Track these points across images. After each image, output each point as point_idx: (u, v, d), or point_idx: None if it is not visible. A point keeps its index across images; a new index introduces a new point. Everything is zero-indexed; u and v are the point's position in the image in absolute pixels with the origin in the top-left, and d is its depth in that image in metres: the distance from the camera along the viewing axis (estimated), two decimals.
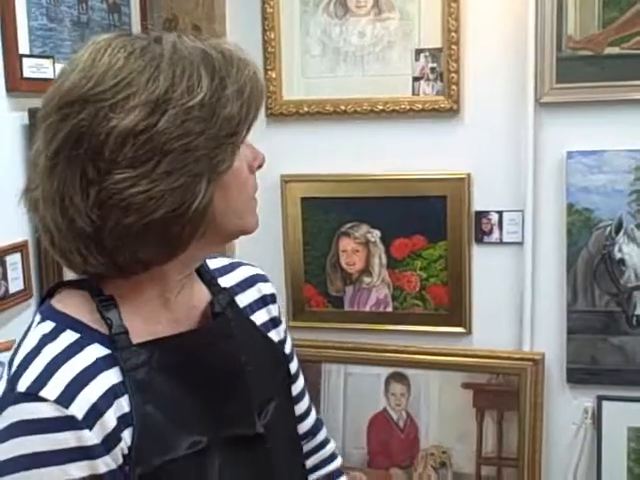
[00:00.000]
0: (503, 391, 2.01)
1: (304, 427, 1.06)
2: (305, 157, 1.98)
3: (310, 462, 1.07)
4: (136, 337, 0.81)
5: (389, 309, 2.05)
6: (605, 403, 1.97)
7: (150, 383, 0.79)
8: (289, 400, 1.00)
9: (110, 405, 0.77)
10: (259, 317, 0.98)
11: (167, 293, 0.85)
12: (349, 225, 2.05)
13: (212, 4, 1.85)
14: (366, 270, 2.05)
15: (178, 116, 0.76)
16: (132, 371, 0.78)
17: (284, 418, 0.96)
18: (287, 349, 1.03)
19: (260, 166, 0.89)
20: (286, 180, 2.01)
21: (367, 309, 2.05)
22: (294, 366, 1.04)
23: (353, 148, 2.01)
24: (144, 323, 0.83)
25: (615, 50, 1.81)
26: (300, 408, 1.05)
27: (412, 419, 2.08)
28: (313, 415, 1.08)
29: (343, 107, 1.96)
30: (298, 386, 1.05)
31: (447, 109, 1.90)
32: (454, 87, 1.89)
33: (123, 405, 0.78)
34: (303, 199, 2.03)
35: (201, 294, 0.91)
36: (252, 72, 0.82)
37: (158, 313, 0.84)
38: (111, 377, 0.78)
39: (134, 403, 0.78)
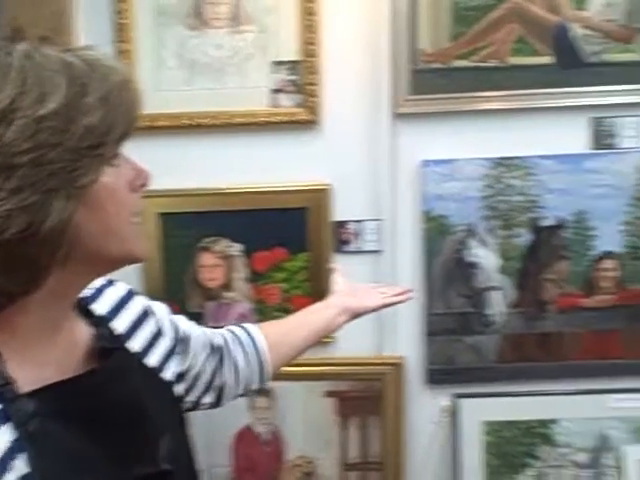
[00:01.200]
0: (365, 397, 1.99)
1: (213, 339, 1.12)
2: (161, 172, 1.78)
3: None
4: (26, 385, 0.74)
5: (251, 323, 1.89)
6: (461, 400, 1.98)
7: (46, 434, 0.72)
8: (184, 432, 0.95)
9: (5, 470, 0.68)
10: (138, 341, 0.93)
11: (48, 331, 0.78)
12: (208, 240, 1.95)
13: (62, 15, 1.65)
14: (227, 285, 1.95)
15: (28, 127, 0.68)
16: (25, 424, 0.71)
17: (183, 452, 0.92)
18: (174, 344, 1.00)
19: (144, 185, 0.84)
20: (142, 196, 1.81)
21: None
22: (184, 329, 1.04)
23: (211, 162, 1.92)
24: (32, 368, 0.75)
25: (464, 63, 1.85)
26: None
27: (277, 432, 2.02)
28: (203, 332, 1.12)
29: (200, 120, 1.85)
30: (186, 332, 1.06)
31: (306, 121, 1.84)
32: (313, 99, 1.84)
33: (21, 467, 0.70)
34: (160, 215, 1.89)
35: (83, 330, 0.84)
36: (121, 79, 0.76)
37: (44, 355, 0.77)
38: (5, 435, 0.70)
39: (32, 461, 0.70)
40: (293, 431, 2.02)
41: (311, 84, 1.85)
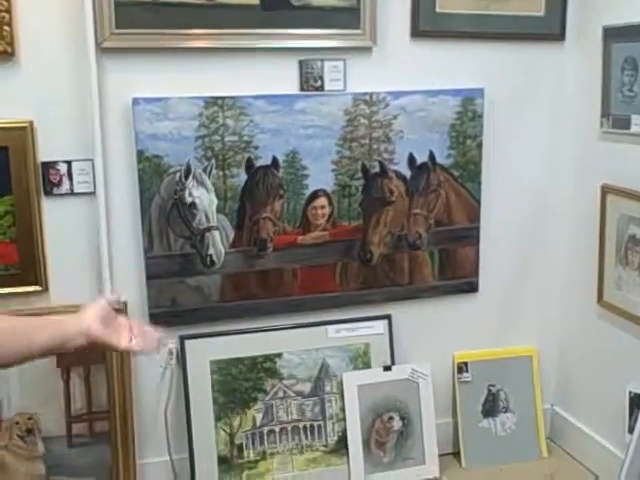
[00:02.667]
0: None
1: None
2: None
3: None
4: None
5: None
6: (187, 342, 1.94)
7: None
8: None
9: None
10: None
11: None
12: None
13: None
14: None
15: None
16: None
17: None
18: None
19: None
20: None
21: None
22: None
23: None
24: None
25: None
26: None
27: None
28: None
29: None
30: None
31: (0, 52, 1.64)
32: (6, 28, 1.60)
33: None
34: None
35: None
36: None
37: None
38: None
39: None
40: (8, 388, 1.81)
41: (3, 11, 1.60)
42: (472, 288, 2.12)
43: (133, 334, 1.14)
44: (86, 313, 1.12)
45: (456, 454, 2.16)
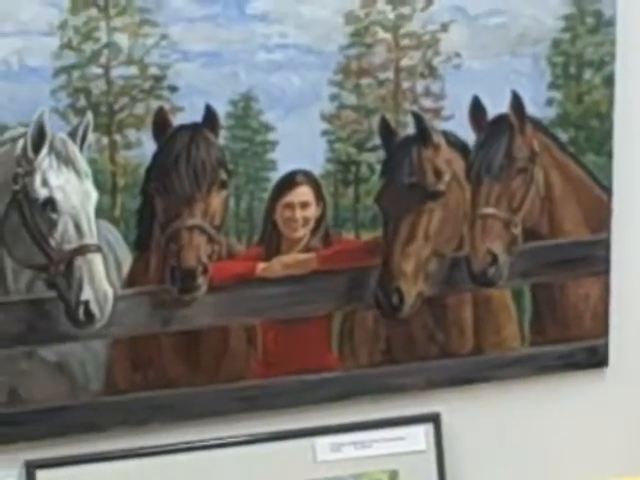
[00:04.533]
0: None
1: None
2: None
3: None
4: None
5: None
6: (39, 473, 1.70)
7: None
8: None
9: None
10: None
11: None
12: None
13: None
14: None
15: None
16: None
17: None
18: None
19: None
20: None
21: None
22: None
23: None
24: None
25: None
26: None
27: None
28: None
29: None
30: None
31: None
32: None
33: None
34: None
35: None
36: None
37: None
38: None
39: None
40: None
41: None
42: (597, 360, 1.97)
43: None
44: None
45: None
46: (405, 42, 1.78)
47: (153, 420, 1.76)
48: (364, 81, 1.77)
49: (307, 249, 1.77)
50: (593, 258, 1.92)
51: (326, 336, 1.82)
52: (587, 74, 1.86)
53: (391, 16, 1.76)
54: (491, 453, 1.94)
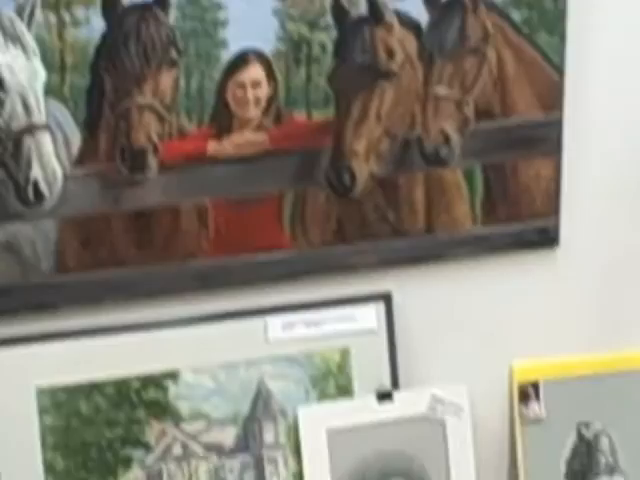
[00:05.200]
0: None
1: None
2: None
3: None
4: None
5: None
6: None
7: None
8: None
9: None
10: None
11: None
12: None
13: None
14: None
15: None
16: None
17: None
18: None
19: None
20: None
21: None
22: None
23: None
24: None
25: None
26: None
27: None
28: None
29: None
30: None
31: None
32: None
33: None
34: None
35: None
36: None
37: None
38: None
39: None
40: None
41: None
42: (547, 239, 1.99)
43: None
44: None
45: None
46: None
47: (106, 299, 1.83)
48: None
49: (258, 129, 1.83)
50: (545, 138, 1.95)
51: (278, 215, 1.88)
52: None
53: None
54: (442, 331, 1.99)
